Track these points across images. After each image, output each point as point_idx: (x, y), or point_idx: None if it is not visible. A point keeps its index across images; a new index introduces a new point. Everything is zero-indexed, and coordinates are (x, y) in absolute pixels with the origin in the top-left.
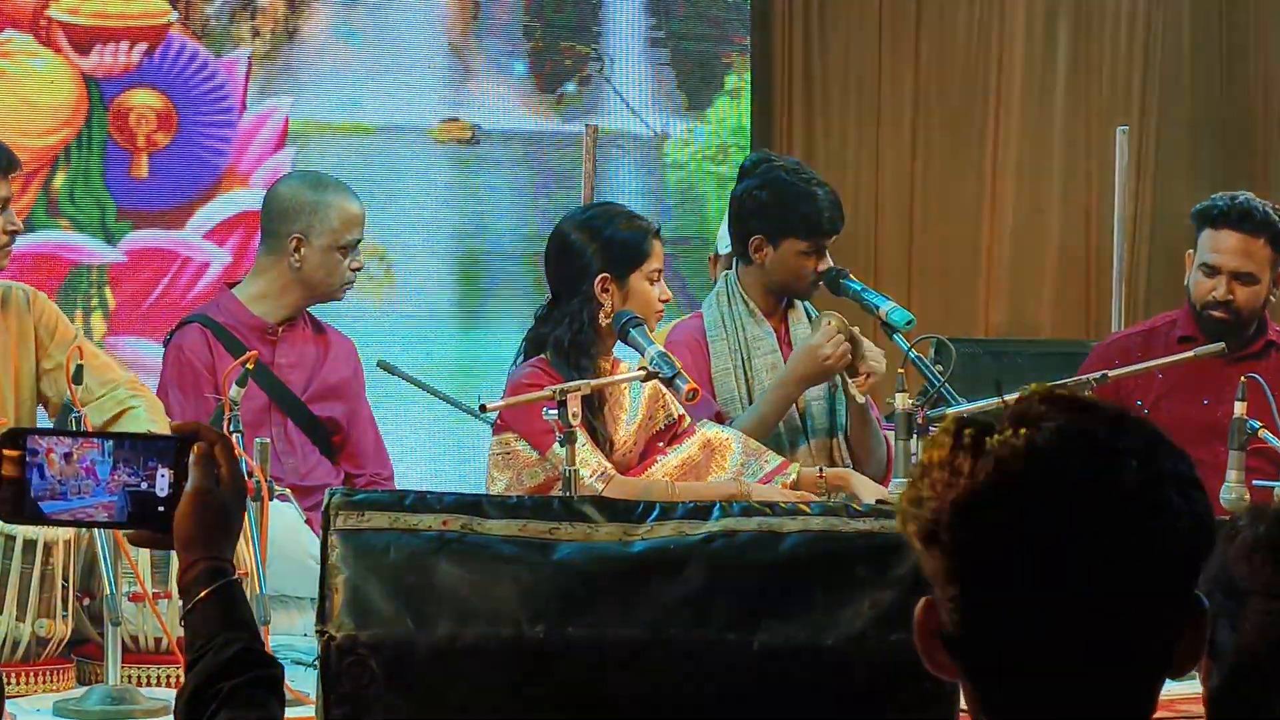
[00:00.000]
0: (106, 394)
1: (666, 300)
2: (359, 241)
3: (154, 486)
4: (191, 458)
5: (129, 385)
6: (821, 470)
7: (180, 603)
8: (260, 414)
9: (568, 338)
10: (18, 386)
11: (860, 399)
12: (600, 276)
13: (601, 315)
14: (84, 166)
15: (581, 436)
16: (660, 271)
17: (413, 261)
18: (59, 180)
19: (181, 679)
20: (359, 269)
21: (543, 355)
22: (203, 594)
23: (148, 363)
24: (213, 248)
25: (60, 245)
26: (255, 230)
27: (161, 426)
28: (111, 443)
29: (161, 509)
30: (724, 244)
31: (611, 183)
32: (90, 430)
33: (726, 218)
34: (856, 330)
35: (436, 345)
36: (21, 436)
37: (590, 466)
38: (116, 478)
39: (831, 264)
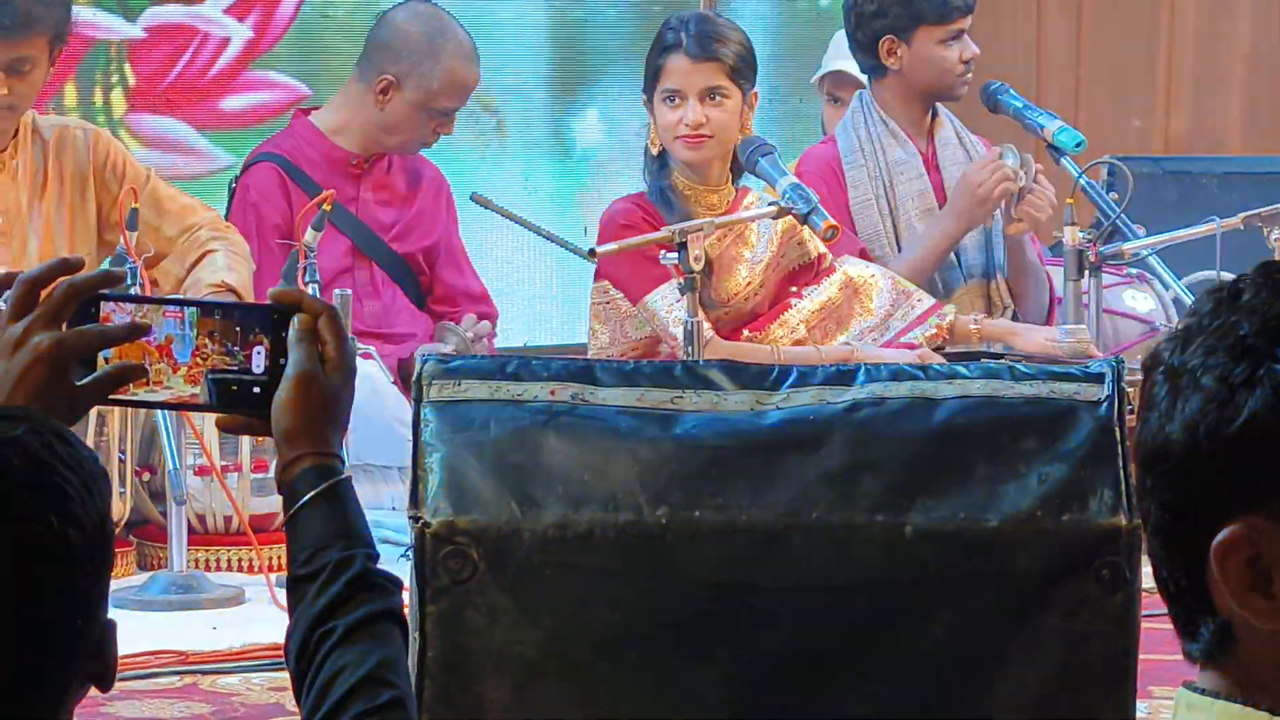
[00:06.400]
0: (187, 238)
1: (692, 125)
2: (456, 110)
3: (248, 365)
4: (293, 333)
5: (211, 226)
6: (977, 319)
7: (275, 495)
8: (342, 259)
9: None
10: (74, 240)
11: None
12: (643, 95)
13: (649, 137)
14: None
15: (675, 292)
16: (679, 94)
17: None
18: None
19: (255, 564)
20: (445, 133)
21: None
22: (309, 496)
23: (169, 139)
24: (233, 23)
25: (79, 22)
26: (277, 5)
27: (241, 275)
28: (196, 311)
29: (257, 390)
30: (829, 61)
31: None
32: (173, 298)
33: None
34: (1037, 165)
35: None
36: (94, 304)
37: (683, 326)
38: (200, 359)
39: (977, 50)
